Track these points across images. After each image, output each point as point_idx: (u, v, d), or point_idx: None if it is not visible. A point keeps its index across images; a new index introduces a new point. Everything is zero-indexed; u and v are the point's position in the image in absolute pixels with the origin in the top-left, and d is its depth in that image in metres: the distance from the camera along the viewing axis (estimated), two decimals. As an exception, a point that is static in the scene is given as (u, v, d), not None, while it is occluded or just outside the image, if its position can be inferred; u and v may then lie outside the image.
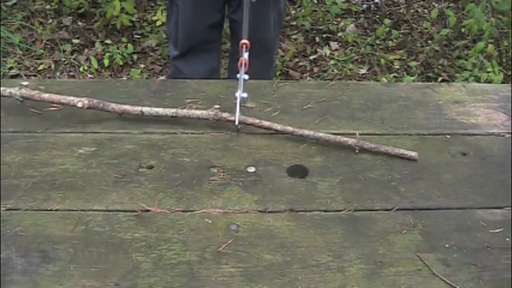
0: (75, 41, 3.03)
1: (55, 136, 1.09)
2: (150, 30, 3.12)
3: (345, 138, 1.07)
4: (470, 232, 0.91)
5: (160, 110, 1.13)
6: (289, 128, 1.09)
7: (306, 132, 1.09)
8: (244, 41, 1.15)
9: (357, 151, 1.06)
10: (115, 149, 1.07)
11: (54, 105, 1.16)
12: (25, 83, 1.14)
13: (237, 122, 1.09)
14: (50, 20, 3.15)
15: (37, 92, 1.13)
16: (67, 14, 3.20)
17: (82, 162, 1.03)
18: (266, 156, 1.06)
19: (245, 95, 1.10)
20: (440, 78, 2.82)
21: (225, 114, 1.11)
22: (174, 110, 1.12)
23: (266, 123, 1.10)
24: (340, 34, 3.18)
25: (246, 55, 1.13)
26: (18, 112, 1.14)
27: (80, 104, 1.11)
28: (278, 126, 1.10)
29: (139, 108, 1.13)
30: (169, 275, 0.82)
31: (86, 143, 1.08)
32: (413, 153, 1.06)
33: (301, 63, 2.98)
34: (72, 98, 1.12)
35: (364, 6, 3.45)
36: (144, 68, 2.91)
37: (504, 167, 1.06)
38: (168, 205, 0.94)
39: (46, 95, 1.13)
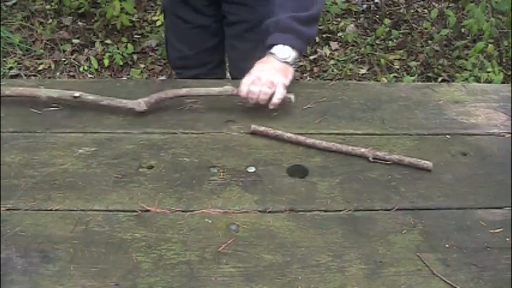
0: (75, 41, 3.03)
1: (55, 136, 1.09)
2: (150, 30, 3.12)
3: (361, 149, 1.06)
4: (470, 232, 0.91)
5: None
6: (301, 138, 1.09)
7: (318, 142, 1.08)
8: None
9: (371, 159, 1.05)
10: (115, 149, 1.06)
11: (54, 104, 1.16)
12: (77, 94, 1.14)
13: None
14: (50, 20, 3.15)
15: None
16: (67, 14, 3.20)
17: (82, 162, 1.03)
18: (266, 156, 1.06)
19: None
20: (440, 78, 2.82)
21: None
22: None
23: (278, 132, 1.10)
24: (340, 34, 3.18)
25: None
26: (18, 112, 1.14)
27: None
28: (291, 135, 1.09)
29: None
30: (169, 275, 0.82)
31: (86, 143, 1.08)
32: (428, 163, 1.04)
33: (301, 63, 2.98)
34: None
35: (364, 6, 3.45)
36: (144, 68, 2.91)
37: (504, 167, 1.06)
38: (168, 205, 0.94)
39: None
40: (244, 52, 1.55)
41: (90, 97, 1.13)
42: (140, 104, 1.12)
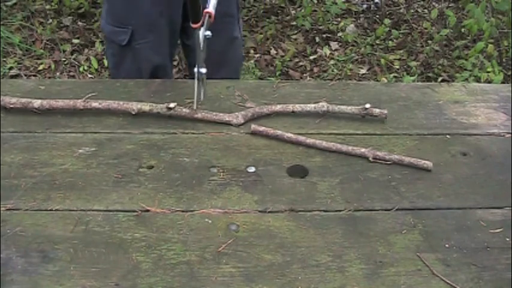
0: (75, 41, 3.03)
1: (55, 136, 1.09)
2: (150, 30, 3.11)
3: (361, 149, 1.06)
4: (470, 232, 0.91)
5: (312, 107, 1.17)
6: (301, 138, 1.09)
7: (318, 142, 1.08)
8: (207, 10, 1.05)
9: (371, 159, 1.05)
10: (115, 149, 1.07)
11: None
12: (172, 105, 1.11)
13: (195, 106, 1.11)
14: (50, 20, 3.15)
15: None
16: (67, 14, 3.20)
17: (82, 162, 1.03)
18: (266, 156, 1.06)
19: (203, 70, 1.09)
20: (440, 78, 2.82)
21: (375, 112, 1.15)
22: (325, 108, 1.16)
23: (278, 132, 1.10)
24: (340, 34, 3.18)
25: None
26: (18, 112, 1.14)
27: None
28: (291, 135, 1.09)
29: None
30: (169, 275, 0.82)
31: (86, 143, 1.08)
32: (428, 163, 1.04)
33: (301, 63, 2.98)
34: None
35: (364, 6, 3.45)
36: (144, 68, 2.91)
37: (504, 167, 1.06)
38: (168, 205, 0.94)
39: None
40: None
41: (185, 110, 1.13)
42: (238, 117, 1.12)
